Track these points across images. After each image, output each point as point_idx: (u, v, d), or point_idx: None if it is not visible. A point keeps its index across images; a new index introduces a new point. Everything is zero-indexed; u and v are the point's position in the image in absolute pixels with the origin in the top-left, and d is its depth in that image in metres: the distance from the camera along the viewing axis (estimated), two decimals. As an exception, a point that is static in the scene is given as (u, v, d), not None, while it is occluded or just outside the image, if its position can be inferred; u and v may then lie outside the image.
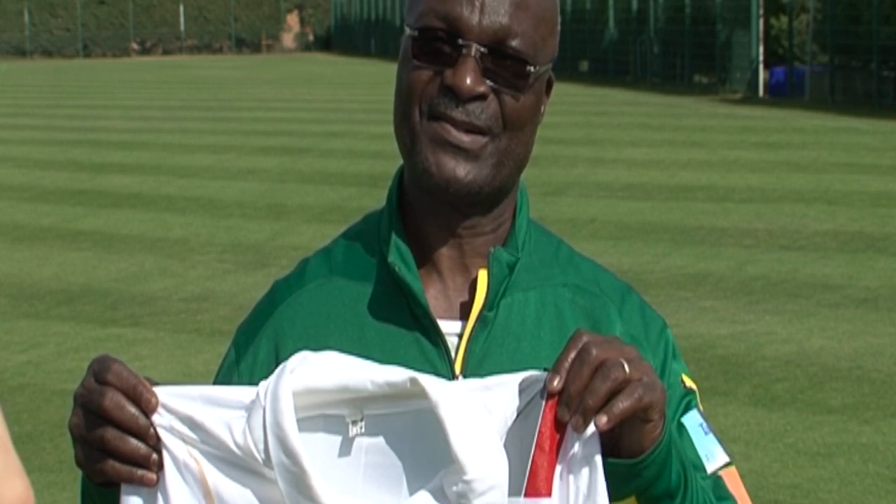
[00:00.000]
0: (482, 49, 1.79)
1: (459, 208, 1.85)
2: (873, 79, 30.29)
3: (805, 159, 19.86)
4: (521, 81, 1.82)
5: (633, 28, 40.51)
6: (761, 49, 34.55)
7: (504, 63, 1.80)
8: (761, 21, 35.18)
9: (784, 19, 36.32)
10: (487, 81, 1.80)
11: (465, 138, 1.80)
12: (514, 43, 1.81)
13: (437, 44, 1.80)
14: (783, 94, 33.28)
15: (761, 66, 34.57)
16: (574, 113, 26.47)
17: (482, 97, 1.79)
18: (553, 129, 22.29)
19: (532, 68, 1.82)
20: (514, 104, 1.82)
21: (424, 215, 1.88)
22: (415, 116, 1.81)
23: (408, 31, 1.84)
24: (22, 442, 7.82)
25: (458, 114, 1.79)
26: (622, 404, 1.55)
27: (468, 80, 1.78)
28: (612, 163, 19.82)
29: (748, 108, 29.99)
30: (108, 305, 11.37)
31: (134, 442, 1.59)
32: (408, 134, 1.83)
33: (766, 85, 34.38)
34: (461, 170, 1.80)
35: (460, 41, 1.79)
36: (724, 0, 35.99)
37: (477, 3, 1.80)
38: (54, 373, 9.25)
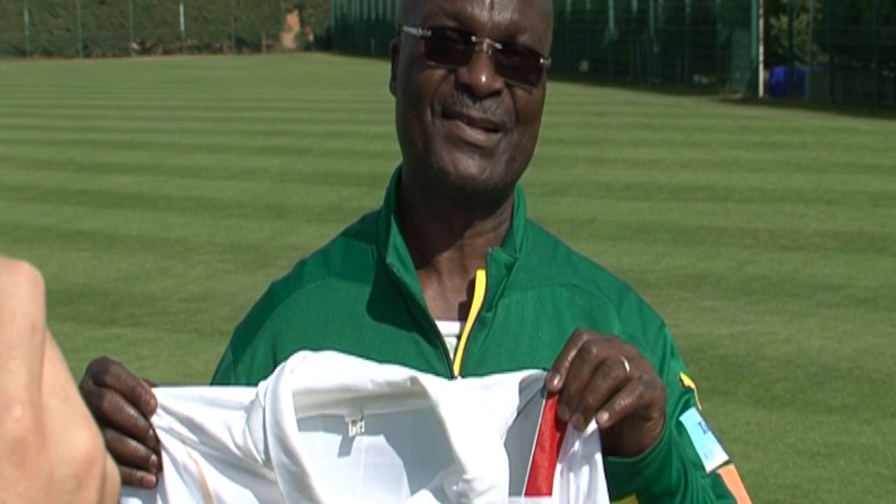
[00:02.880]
0: (496, 45, 1.80)
1: (469, 206, 1.86)
2: (873, 79, 30.29)
3: (805, 159, 19.86)
4: (533, 76, 1.84)
5: (633, 28, 40.51)
6: (761, 49, 34.55)
7: (516, 58, 1.82)
8: (761, 21, 35.18)
9: (784, 19, 36.32)
10: (501, 77, 1.81)
11: (480, 137, 1.81)
12: (524, 38, 1.83)
13: (449, 42, 1.81)
14: (783, 94, 33.28)
15: (761, 66, 34.57)
16: (574, 113, 26.45)
17: (497, 93, 1.81)
18: (553, 129, 22.29)
19: (544, 62, 1.84)
20: (527, 98, 1.83)
21: (425, 216, 1.88)
22: (427, 116, 1.82)
23: (415, 31, 1.84)
24: (22, 442, 7.82)
25: (474, 111, 1.80)
26: (624, 401, 1.56)
27: (484, 77, 1.79)
28: (612, 163, 19.82)
29: (748, 108, 29.98)
30: (108, 305, 11.37)
31: (133, 444, 1.59)
32: (419, 134, 1.82)
33: (766, 85, 34.38)
34: (478, 167, 1.81)
35: (473, 38, 1.80)
36: (724, 0, 35.99)
37: (486, 1, 1.81)
38: (54, 373, 9.23)
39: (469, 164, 1.81)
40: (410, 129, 1.84)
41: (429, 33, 1.82)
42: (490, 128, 1.81)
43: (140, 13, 72.39)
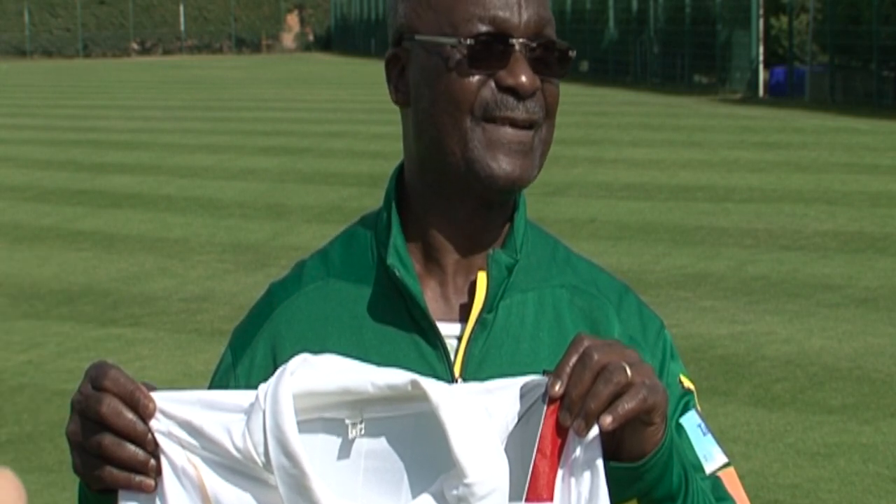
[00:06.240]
0: (531, 44, 1.81)
1: (490, 208, 1.86)
2: (873, 79, 30.29)
3: (805, 159, 19.86)
4: (563, 68, 1.86)
5: (633, 28, 40.51)
6: (761, 49, 34.55)
7: (547, 53, 1.83)
8: (761, 21, 35.18)
9: (784, 19, 36.32)
10: (537, 75, 1.82)
11: (523, 137, 1.82)
12: (549, 30, 1.85)
13: (488, 48, 1.81)
14: (783, 94, 33.28)
15: (761, 66, 34.57)
16: (574, 113, 26.47)
17: (535, 91, 1.82)
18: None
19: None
20: (553, 92, 1.85)
21: (438, 218, 1.87)
22: (466, 123, 1.81)
23: (450, 40, 1.82)
24: (22, 442, 7.82)
25: (519, 112, 1.81)
26: (627, 405, 1.55)
27: (528, 78, 1.80)
28: (612, 163, 19.82)
29: (748, 108, 29.98)
30: (108, 305, 11.37)
31: (132, 448, 1.59)
32: (458, 142, 1.82)
33: (766, 85, 34.38)
34: (521, 168, 1.82)
35: (511, 41, 1.80)
36: (724, 0, 35.99)
37: (513, 1, 1.82)
38: (54, 373, 9.24)
39: (515, 166, 1.82)
40: (446, 136, 1.82)
41: (471, 41, 1.81)
42: (529, 126, 1.82)
43: (140, 13, 72.38)
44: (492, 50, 1.81)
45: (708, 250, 13.02)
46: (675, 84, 37.11)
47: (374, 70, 45.16)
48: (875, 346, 9.47)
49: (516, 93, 1.80)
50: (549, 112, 1.85)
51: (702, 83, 36.80)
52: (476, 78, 1.81)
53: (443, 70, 1.83)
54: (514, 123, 1.81)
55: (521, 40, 1.81)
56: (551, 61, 1.84)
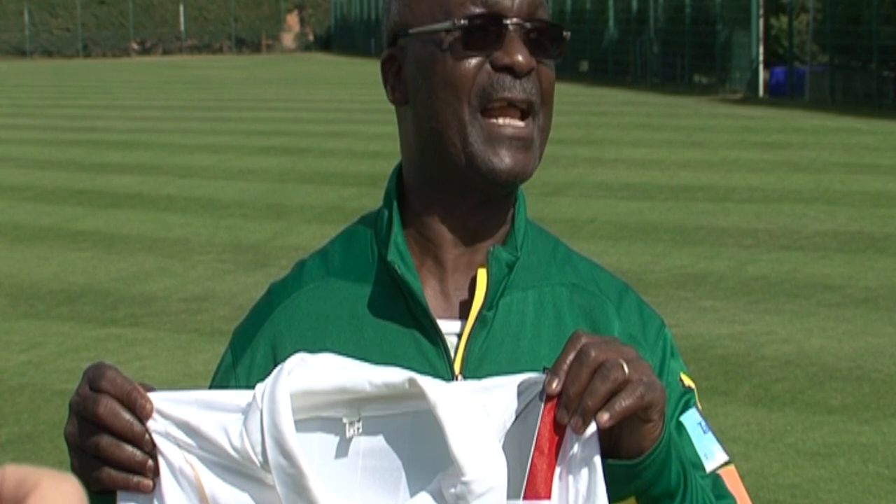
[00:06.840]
0: (525, 24, 1.81)
1: (491, 203, 1.86)
2: (873, 79, 30.29)
3: (805, 159, 19.86)
4: (557, 49, 1.85)
5: (633, 28, 40.52)
6: (761, 49, 34.55)
7: (541, 34, 1.83)
8: (761, 21, 35.18)
9: (784, 19, 36.32)
10: (531, 56, 1.82)
11: (521, 128, 1.81)
12: (542, 12, 1.84)
13: (482, 30, 1.81)
14: (783, 94, 33.28)
15: (761, 66, 34.58)
16: (574, 113, 26.48)
17: (531, 71, 1.82)
18: (553, 129, 22.13)
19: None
20: (549, 75, 1.85)
21: (438, 214, 1.87)
22: (465, 115, 1.81)
23: (444, 25, 1.82)
24: (22, 442, 7.82)
25: (516, 92, 1.81)
26: (624, 402, 1.55)
27: (524, 57, 1.80)
28: (612, 163, 19.82)
29: (748, 108, 29.99)
30: (108, 305, 11.36)
31: (129, 449, 1.59)
32: (457, 133, 1.82)
33: (766, 85, 34.38)
34: (522, 161, 1.82)
35: (506, 21, 1.80)
36: (724, 0, 35.99)
37: None
38: (54, 373, 9.24)
39: (517, 161, 1.81)
40: (446, 127, 1.82)
41: (465, 23, 1.81)
42: (526, 108, 1.82)
43: (140, 13, 72.40)
44: (486, 31, 1.81)
45: (708, 250, 13.02)
46: (675, 84, 37.11)
47: (374, 70, 45.11)
48: (875, 346, 9.46)
49: (513, 71, 1.80)
50: (545, 97, 1.85)
51: (702, 83, 36.81)
52: (472, 61, 1.81)
53: (438, 56, 1.83)
54: (511, 104, 1.80)
55: (514, 20, 1.81)
56: (545, 42, 1.83)
